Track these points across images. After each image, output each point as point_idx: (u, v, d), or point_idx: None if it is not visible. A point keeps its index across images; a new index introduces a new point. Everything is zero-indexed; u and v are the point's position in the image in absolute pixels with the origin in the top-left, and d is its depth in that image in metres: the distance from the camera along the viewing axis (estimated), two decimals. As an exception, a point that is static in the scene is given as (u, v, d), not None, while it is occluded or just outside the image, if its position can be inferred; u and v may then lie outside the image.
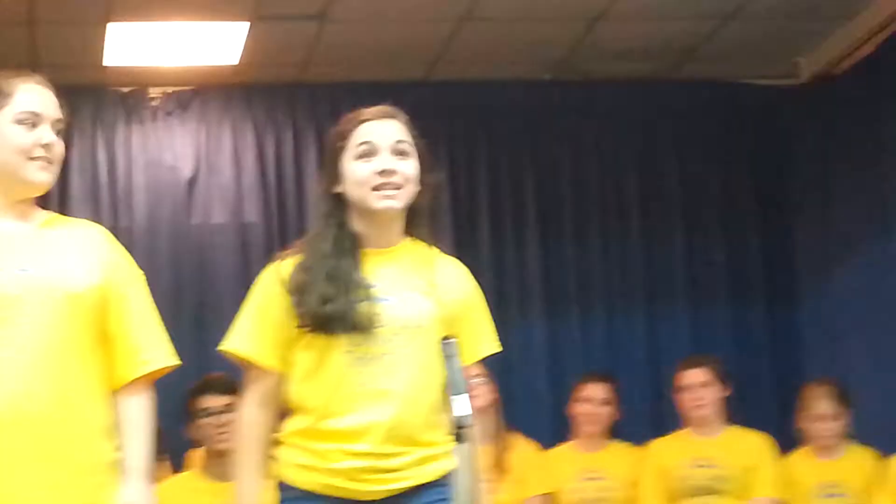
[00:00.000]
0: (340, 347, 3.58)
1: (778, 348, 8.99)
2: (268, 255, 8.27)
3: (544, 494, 6.67)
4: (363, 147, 3.67)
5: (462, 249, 8.57)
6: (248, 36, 7.94)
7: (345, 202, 3.72)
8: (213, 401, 5.93)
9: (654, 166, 9.14)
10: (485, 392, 6.31)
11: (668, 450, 6.76)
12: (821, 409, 6.71)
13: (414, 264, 3.75)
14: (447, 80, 8.74)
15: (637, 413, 8.05)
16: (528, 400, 8.29)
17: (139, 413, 3.58)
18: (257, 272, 8.52)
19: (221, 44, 8.12)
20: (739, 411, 7.10)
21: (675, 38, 8.53)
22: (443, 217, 8.46)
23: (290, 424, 3.73)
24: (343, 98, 8.60)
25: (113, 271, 3.56)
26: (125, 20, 7.67)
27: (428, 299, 3.68)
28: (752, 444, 6.70)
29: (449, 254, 3.86)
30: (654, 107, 9.12)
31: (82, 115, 8.29)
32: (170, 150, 8.57)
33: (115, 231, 7.81)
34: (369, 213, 3.68)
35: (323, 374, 3.63)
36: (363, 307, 3.58)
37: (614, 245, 9.00)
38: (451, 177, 8.72)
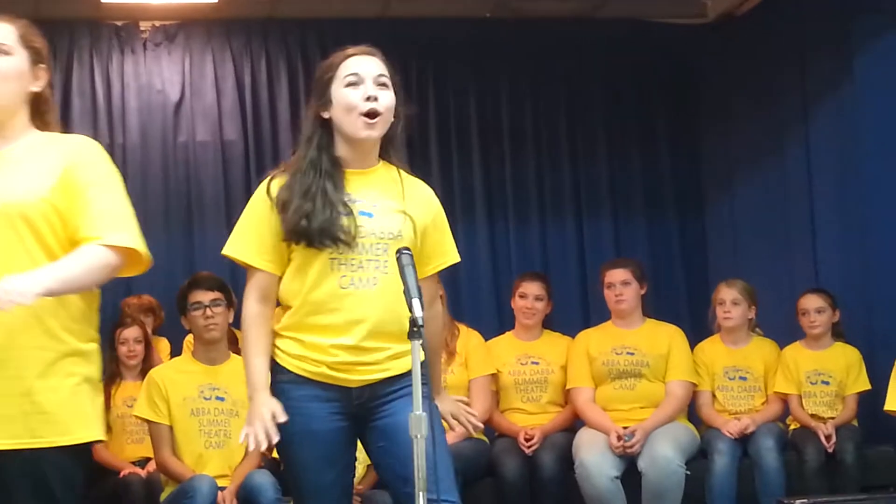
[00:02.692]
0: (325, 255, 3.63)
1: (687, 252, 9.10)
2: (245, 168, 8.41)
3: (487, 375, 6.66)
4: (351, 77, 3.73)
5: (414, 168, 8.71)
6: (226, -23, 7.94)
7: (330, 127, 3.77)
8: (201, 296, 6.00)
9: (580, 95, 9.13)
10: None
11: (594, 338, 6.78)
12: (729, 303, 6.73)
13: (388, 184, 3.81)
14: (399, 17, 8.66)
15: (567, 306, 8.16)
16: (472, 295, 8.35)
17: (81, 252, 3.26)
18: (236, 182, 8.60)
19: (203, -17, 8.12)
20: (656, 306, 7.13)
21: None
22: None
23: (284, 319, 3.79)
24: (309, 32, 8.64)
25: (74, 172, 3.27)
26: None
27: (402, 214, 3.75)
28: (667, 334, 6.72)
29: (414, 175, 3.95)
30: (579, 42, 9.09)
31: (81, 46, 8.26)
32: (158, 77, 8.50)
33: (112, 148, 7.90)
34: (352, 139, 3.73)
35: (310, 278, 3.68)
36: (344, 220, 3.64)
37: (546, 162, 9.01)
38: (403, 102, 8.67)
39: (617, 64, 9.13)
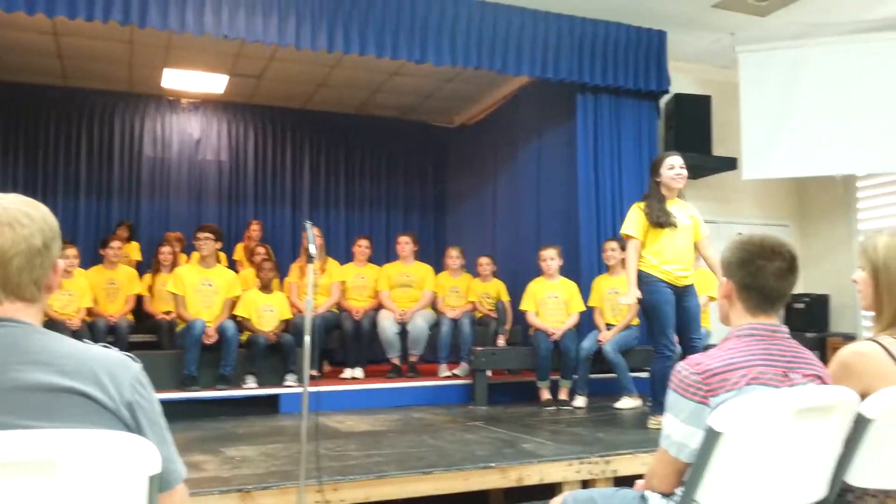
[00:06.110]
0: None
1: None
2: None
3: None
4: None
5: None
6: None
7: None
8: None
9: (389, 173, 12.28)
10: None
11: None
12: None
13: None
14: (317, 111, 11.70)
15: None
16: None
17: None
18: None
19: None
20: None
21: (413, 92, 11.48)
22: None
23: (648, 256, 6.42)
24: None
25: None
26: None
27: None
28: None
29: None
30: (392, 135, 12.29)
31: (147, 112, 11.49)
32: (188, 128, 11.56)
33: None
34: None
35: (659, 240, 6.44)
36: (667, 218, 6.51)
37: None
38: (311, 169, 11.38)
39: (400, 150, 12.10)
